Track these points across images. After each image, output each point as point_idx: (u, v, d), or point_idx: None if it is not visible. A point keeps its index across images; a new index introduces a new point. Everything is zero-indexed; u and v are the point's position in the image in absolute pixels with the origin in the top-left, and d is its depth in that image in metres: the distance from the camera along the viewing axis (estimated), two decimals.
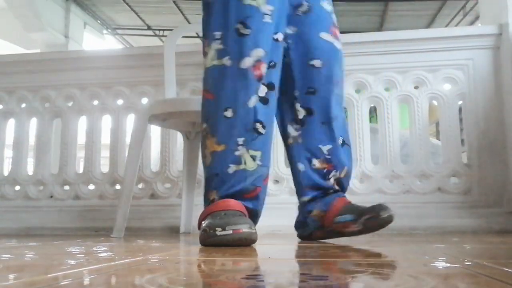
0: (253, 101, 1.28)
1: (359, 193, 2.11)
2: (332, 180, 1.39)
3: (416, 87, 2.20)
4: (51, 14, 6.54)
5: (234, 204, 1.27)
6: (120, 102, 2.41)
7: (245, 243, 1.20)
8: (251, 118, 1.28)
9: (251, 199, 1.31)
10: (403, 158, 2.21)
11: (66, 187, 2.38)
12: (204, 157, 1.35)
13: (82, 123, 2.46)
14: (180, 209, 2.12)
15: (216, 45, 1.30)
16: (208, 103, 1.33)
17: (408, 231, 1.97)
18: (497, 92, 2.10)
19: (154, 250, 1.20)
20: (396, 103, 2.19)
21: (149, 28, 8.69)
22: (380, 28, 7.79)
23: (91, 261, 0.94)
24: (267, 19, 1.28)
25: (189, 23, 8.01)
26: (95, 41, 8.25)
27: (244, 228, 1.18)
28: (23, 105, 2.50)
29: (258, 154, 1.29)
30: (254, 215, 1.33)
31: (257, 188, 1.31)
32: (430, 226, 1.99)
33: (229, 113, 1.28)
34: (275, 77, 1.33)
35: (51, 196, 2.38)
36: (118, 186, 2.30)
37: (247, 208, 1.30)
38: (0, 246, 1.42)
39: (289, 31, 1.37)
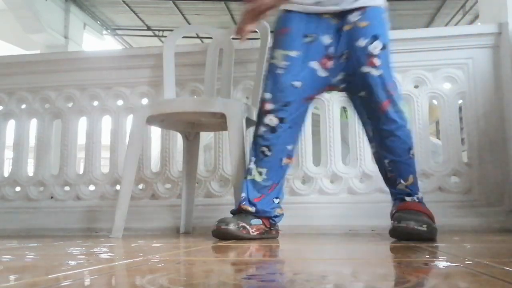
0: (261, 130, 1.66)
1: (360, 192, 2.11)
2: (400, 186, 1.62)
3: (416, 87, 2.19)
4: (50, 15, 6.53)
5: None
6: (120, 102, 2.41)
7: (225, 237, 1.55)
8: (259, 143, 1.66)
9: (259, 201, 1.66)
10: None
11: (67, 188, 2.38)
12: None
13: (82, 124, 2.46)
14: (180, 210, 2.12)
15: None
16: None
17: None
18: (497, 91, 2.09)
19: (155, 251, 1.20)
20: None
21: (148, 28, 8.69)
22: None
23: (92, 261, 0.94)
24: (280, 71, 1.65)
25: (189, 23, 8.01)
26: (95, 42, 8.25)
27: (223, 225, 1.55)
28: (23, 106, 2.50)
29: (264, 170, 1.66)
30: (261, 212, 1.65)
31: (263, 194, 1.67)
32: None
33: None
34: (289, 114, 1.65)
35: (52, 197, 2.38)
36: (118, 187, 2.30)
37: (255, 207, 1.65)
38: (1, 247, 1.41)
39: (341, 77, 1.66)
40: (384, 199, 2.09)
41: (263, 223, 1.64)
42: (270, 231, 1.67)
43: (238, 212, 1.63)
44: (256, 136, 1.68)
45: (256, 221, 1.61)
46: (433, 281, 0.63)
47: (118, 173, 2.29)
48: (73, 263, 0.91)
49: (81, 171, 2.41)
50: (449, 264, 0.84)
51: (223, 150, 2.24)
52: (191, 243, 1.52)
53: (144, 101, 2.38)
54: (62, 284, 0.65)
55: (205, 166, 2.35)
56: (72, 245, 1.45)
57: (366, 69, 1.61)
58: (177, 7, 7.66)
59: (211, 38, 2.31)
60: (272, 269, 0.80)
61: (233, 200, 1.81)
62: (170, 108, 1.86)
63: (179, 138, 2.27)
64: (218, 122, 1.94)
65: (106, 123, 2.42)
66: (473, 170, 2.06)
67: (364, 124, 1.69)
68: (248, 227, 1.57)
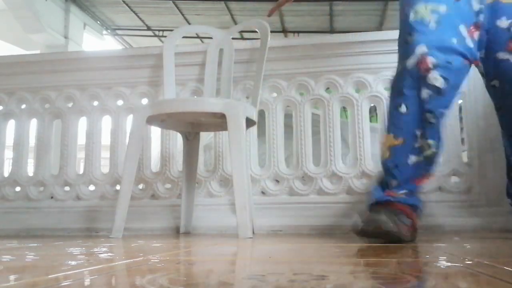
0: (425, 93, 1.37)
1: (359, 192, 2.11)
2: None
3: None
4: (50, 15, 6.54)
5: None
6: (120, 102, 2.41)
7: (384, 238, 1.31)
8: (421, 108, 1.38)
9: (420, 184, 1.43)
10: None
11: (67, 188, 2.38)
12: (382, 152, 1.48)
13: (82, 124, 2.46)
14: (180, 210, 2.12)
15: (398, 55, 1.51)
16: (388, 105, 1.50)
17: None
18: None
19: (155, 251, 1.20)
20: None
21: (148, 28, 8.70)
22: (379, 27, 7.79)
23: (92, 261, 0.94)
24: (432, 25, 1.39)
25: (189, 23, 8.01)
26: (95, 42, 8.26)
27: (384, 225, 1.30)
28: (23, 106, 2.50)
29: (433, 143, 1.40)
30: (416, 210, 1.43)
31: (430, 174, 1.44)
32: (431, 225, 1.98)
33: (403, 109, 1.40)
34: (450, 73, 1.37)
35: (52, 197, 2.37)
36: (118, 187, 2.30)
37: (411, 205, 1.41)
38: (1, 247, 1.41)
39: (482, 55, 1.44)
40: None
41: (413, 222, 1.40)
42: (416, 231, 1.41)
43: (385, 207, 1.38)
44: (419, 102, 1.39)
45: (407, 221, 1.38)
46: (433, 281, 0.63)
47: (118, 173, 2.29)
48: (73, 263, 0.91)
49: (81, 171, 2.41)
50: (449, 264, 0.84)
51: (223, 150, 2.24)
52: (191, 243, 1.52)
53: (144, 101, 2.38)
54: (62, 284, 0.65)
55: (205, 166, 2.34)
56: (72, 245, 1.45)
57: (504, 55, 1.37)
58: (177, 7, 7.67)
59: (211, 38, 2.31)
60: (272, 269, 0.80)
61: (233, 200, 1.81)
62: (170, 108, 1.86)
63: (179, 138, 2.27)
64: (218, 122, 1.94)
65: (106, 123, 2.42)
66: (473, 170, 2.06)
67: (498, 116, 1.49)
68: (404, 225, 1.34)
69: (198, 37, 7.77)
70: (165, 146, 2.31)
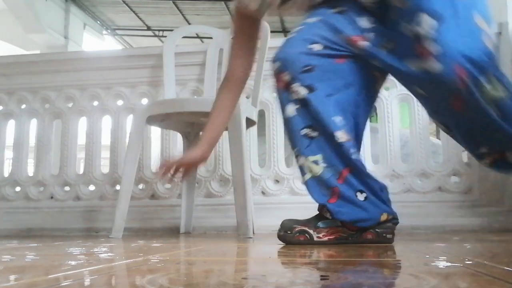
0: (291, 110, 1.30)
1: None
2: None
3: None
4: (50, 15, 6.54)
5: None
6: (120, 102, 2.41)
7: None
8: (296, 126, 1.30)
9: (334, 202, 1.29)
10: (404, 157, 2.21)
11: (67, 188, 2.38)
12: None
13: (82, 124, 2.46)
14: (180, 210, 2.12)
15: None
16: None
17: (408, 230, 1.97)
18: None
19: (155, 251, 1.20)
20: (396, 102, 2.18)
21: (148, 28, 8.69)
22: None
23: (92, 261, 0.94)
24: (294, 34, 1.33)
25: (189, 23, 8.01)
26: (95, 42, 8.25)
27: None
28: (23, 106, 2.50)
29: (318, 157, 1.28)
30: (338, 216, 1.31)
31: (334, 188, 1.28)
32: (431, 225, 1.99)
33: (285, 131, 1.39)
34: (314, 78, 1.29)
35: (52, 197, 2.38)
36: (118, 187, 2.30)
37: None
38: (1, 247, 1.41)
39: (378, 64, 1.28)
40: None
41: (341, 225, 1.31)
42: (358, 236, 1.31)
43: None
44: (286, 121, 1.33)
45: (326, 223, 1.31)
46: (433, 281, 0.63)
47: (118, 173, 2.29)
48: (73, 263, 0.91)
49: (81, 171, 2.41)
50: (449, 264, 0.84)
51: (223, 150, 2.24)
52: (191, 243, 1.52)
53: (144, 101, 2.38)
54: (62, 284, 0.65)
55: (205, 166, 2.35)
56: (72, 245, 1.45)
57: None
58: (177, 7, 7.66)
59: (211, 38, 2.31)
60: (272, 269, 0.80)
61: (233, 200, 1.81)
62: (170, 108, 1.86)
63: (179, 139, 2.27)
64: None
65: (106, 123, 2.43)
66: (473, 170, 2.06)
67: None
68: (310, 231, 1.30)
69: (198, 37, 7.77)
70: (165, 146, 2.31)
